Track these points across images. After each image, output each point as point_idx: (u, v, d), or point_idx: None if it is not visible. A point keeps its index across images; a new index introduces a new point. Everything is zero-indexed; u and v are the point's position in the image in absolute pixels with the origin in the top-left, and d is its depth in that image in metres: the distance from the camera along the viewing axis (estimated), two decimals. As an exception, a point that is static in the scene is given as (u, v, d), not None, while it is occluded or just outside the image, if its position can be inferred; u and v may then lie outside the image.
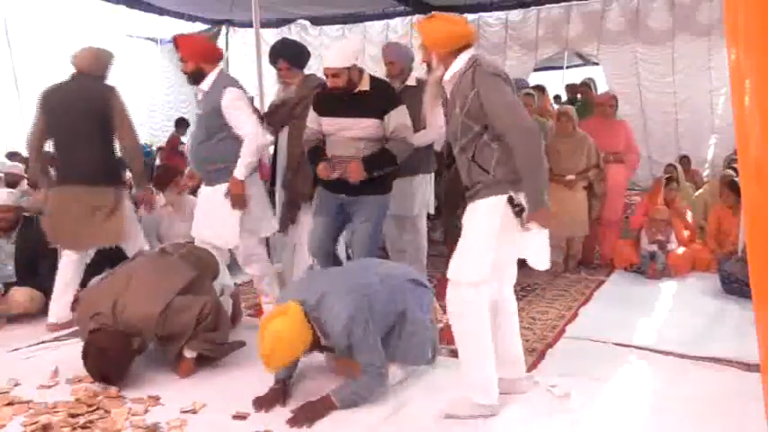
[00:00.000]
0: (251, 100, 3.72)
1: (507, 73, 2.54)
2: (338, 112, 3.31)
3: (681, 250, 4.75)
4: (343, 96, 3.27)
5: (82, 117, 3.57)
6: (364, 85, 3.29)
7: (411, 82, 3.96)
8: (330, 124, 3.35)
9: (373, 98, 3.29)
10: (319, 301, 2.60)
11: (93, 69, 3.67)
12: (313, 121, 3.45)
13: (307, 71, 3.90)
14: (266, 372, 2.64)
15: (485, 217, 2.49)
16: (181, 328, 2.91)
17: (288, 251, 4.14)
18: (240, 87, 3.47)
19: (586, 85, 6.50)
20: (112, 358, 2.84)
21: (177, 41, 3.62)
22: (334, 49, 3.43)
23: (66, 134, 3.61)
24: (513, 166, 2.43)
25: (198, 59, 3.43)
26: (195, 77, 3.45)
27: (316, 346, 2.65)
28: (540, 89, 5.40)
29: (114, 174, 3.76)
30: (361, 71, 3.29)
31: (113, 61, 3.81)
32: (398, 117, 3.30)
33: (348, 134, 3.30)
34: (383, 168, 3.32)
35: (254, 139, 3.37)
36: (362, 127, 3.27)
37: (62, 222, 3.63)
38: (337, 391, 2.63)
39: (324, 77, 3.36)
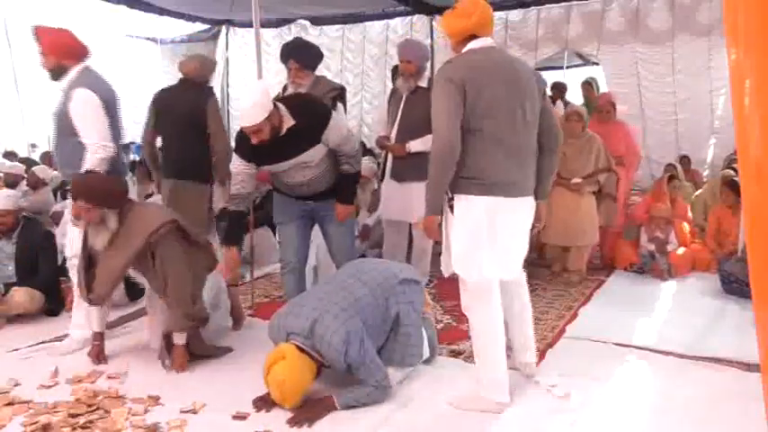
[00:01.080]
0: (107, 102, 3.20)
1: (477, 75, 2.44)
2: (280, 158, 3.12)
3: (681, 250, 4.75)
4: (276, 141, 3.03)
5: (181, 118, 3.88)
6: (288, 121, 3.05)
7: (423, 83, 3.93)
8: (277, 168, 3.19)
9: (304, 128, 3.07)
10: (311, 328, 2.59)
11: (196, 75, 3.99)
12: (241, 164, 3.17)
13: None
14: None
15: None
16: (161, 259, 2.94)
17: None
18: (94, 89, 3.14)
19: (588, 84, 6.48)
20: (107, 182, 2.97)
21: (38, 33, 3.19)
22: (245, 107, 2.92)
23: (169, 132, 3.99)
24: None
25: (59, 55, 3.18)
26: (56, 75, 3.21)
27: (322, 366, 2.67)
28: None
29: (205, 172, 3.98)
30: (278, 109, 3.01)
31: (215, 69, 4.16)
32: (336, 132, 3.14)
33: (300, 166, 3.16)
34: (356, 187, 3.47)
35: (92, 152, 3.09)
36: (310, 157, 3.13)
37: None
38: (340, 393, 2.64)
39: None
